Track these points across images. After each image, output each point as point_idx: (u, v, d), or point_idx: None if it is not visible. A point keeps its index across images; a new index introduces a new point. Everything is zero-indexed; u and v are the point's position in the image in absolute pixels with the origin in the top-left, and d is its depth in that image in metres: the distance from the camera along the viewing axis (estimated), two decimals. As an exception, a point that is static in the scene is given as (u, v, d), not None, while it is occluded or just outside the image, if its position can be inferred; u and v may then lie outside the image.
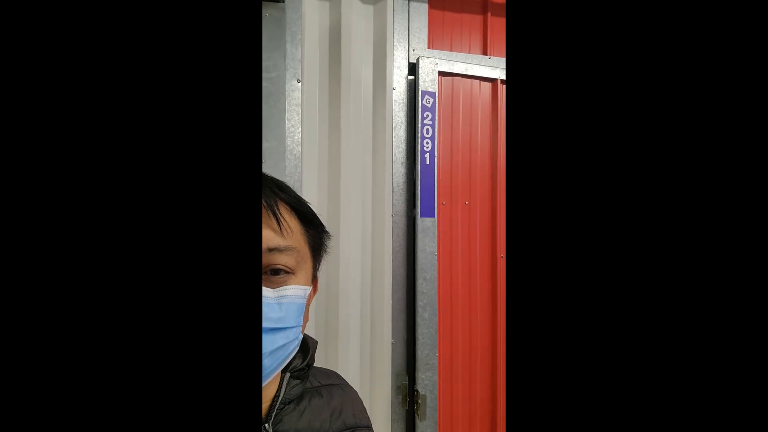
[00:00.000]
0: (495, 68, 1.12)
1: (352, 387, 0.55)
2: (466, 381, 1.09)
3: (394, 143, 1.10)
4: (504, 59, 1.14)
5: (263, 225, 0.41)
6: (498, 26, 1.15)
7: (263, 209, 0.41)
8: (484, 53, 1.14)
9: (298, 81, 1.02)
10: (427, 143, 1.07)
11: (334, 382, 0.53)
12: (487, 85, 1.13)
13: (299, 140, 1.02)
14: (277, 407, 0.44)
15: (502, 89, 1.12)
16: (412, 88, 1.11)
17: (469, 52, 1.14)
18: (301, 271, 0.43)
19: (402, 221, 1.09)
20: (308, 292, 0.44)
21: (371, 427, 0.52)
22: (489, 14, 1.14)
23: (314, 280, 0.48)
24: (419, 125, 1.06)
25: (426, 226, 1.06)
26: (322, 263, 0.50)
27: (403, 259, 1.09)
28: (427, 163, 1.06)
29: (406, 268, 1.09)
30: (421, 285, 1.06)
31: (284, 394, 0.45)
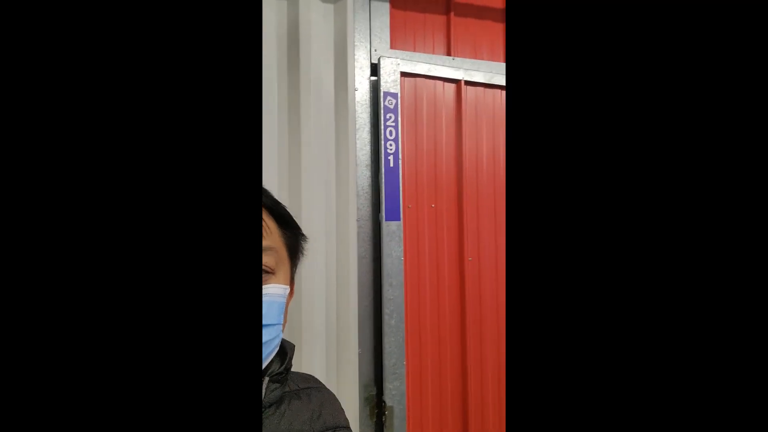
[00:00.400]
0: (458, 69, 1.10)
1: (329, 389, 0.56)
2: (436, 390, 1.06)
3: (358, 146, 1.06)
4: (467, 60, 1.12)
5: None
6: (461, 26, 1.14)
7: None
8: (448, 54, 1.13)
9: (255, 82, 0.98)
10: (391, 145, 1.04)
11: (312, 385, 0.53)
12: (451, 86, 1.11)
13: (257, 143, 0.97)
14: None
15: (465, 90, 1.10)
16: (375, 89, 1.08)
17: (433, 53, 1.12)
18: (280, 271, 0.45)
19: (367, 226, 1.06)
20: (287, 291, 0.46)
21: (350, 427, 0.53)
22: (452, 14, 1.13)
23: (291, 282, 0.49)
24: (382, 127, 1.04)
25: (391, 230, 1.03)
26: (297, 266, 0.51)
27: (368, 264, 1.05)
28: (391, 165, 1.03)
29: (372, 274, 1.06)
30: (388, 291, 1.02)
31: (264, 398, 0.45)
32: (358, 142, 1.06)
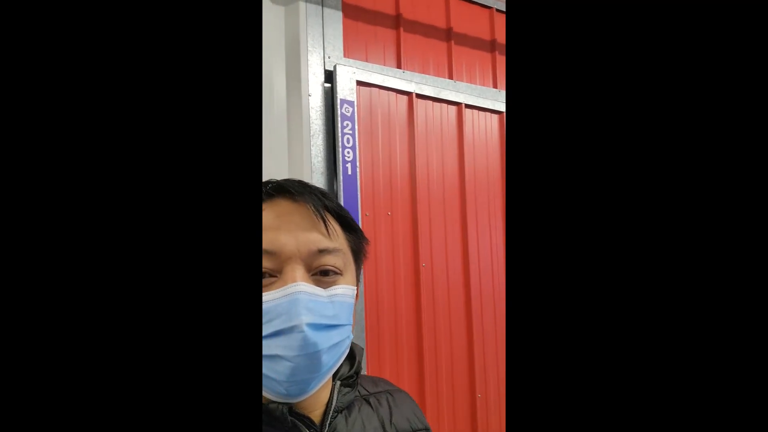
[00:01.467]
0: (410, 82, 1.14)
1: (402, 391, 0.55)
2: (396, 398, 1.06)
3: (313, 152, 1.03)
4: (417, 74, 1.17)
5: (312, 228, 0.42)
6: (411, 42, 1.19)
7: (312, 214, 0.42)
8: (399, 67, 1.16)
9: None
10: (349, 153, 1.03)
11: (381, 390, 0.53)
12: (404, 98, 1.14)
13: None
14: (330, 415, 0.44)
15: (417, 103, 1.15)
16: (329, 96, 1.07)
17: (384, 65, 1.15)
18: (348, 272, 0.45)
19: (323, 235, 1.03)
20: (355, 292, 0.46)
21: (429, 428, 0.52)
22: (401, 29, 1.17)
23: (357, 285, 0.49)
24: (339, 134, 1.02)
25: (350, 239, 1.01)
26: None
27: (325, 275, 1.02)
28: (349, 173, 1.02)
29: (330, 285, 1.03)
30: (347, 302, 1.00)
31: (336, 401, 0.45)
32: (313, 148, 1.03)
